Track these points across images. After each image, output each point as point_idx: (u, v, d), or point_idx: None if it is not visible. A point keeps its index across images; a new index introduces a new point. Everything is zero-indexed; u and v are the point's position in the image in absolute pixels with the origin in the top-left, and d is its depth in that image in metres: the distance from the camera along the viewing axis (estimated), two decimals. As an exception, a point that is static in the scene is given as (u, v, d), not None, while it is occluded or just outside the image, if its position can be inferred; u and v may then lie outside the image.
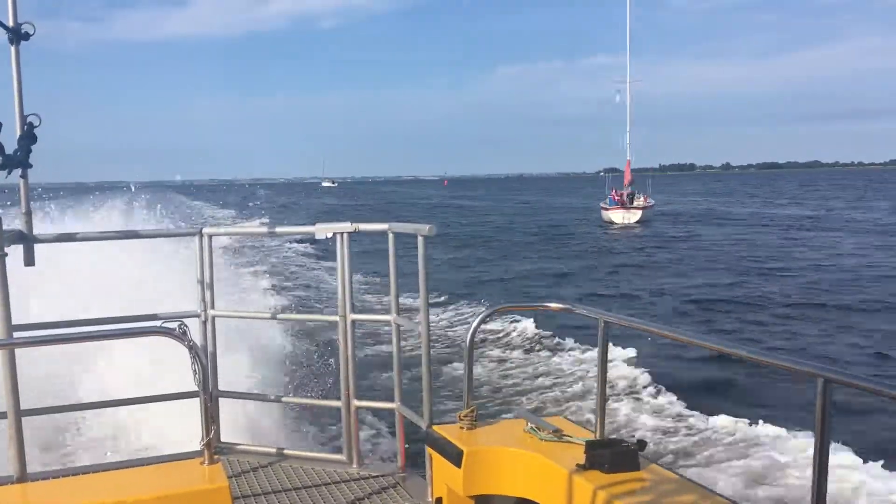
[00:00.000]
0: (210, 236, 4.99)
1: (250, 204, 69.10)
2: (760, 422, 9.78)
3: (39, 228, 4.32)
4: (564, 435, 3.81)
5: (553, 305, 4.43)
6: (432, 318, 12.52)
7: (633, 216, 49.08)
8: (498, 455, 3.76)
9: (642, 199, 51.82)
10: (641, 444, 3.55)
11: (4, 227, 3.69)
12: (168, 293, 8.48)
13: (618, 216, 49.39)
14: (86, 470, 4.69)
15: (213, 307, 4.95)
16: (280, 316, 7.40)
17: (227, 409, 5.18)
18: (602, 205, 52.79)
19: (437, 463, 4.06)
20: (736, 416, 10.11)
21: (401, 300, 4.79)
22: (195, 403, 4.17)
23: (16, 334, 3.66)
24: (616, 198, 50.87)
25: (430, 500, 4.28)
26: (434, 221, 4.56)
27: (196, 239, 4.95)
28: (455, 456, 3.80)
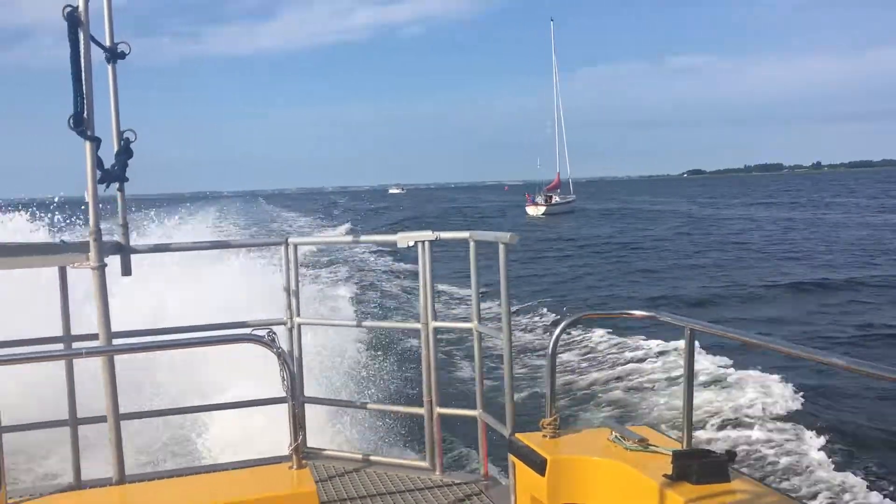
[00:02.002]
0: (295, 245, 5.10)
1: (335, 212, 70.48)
2: (853, 432, 9.38)
3: (143, 237, 4.50)
4: (650, 445, 3.73)
5: (637, 313, 4.36)
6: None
7: (540, 210, 67.73)
8: (583, 464, 3.71)
9: (555, 198, 71.13)
10: (731, 454, 3.44)
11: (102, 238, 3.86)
12: (253, 300, 8.72)
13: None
14: (179, 473, 4.86)
15: (298, 315, 5.05)
16: (365, 323, 7.52)
17: (311, 415, 5.28)
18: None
19: (521, 471, 4.04)
20: (829, 424, 9.73)
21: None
22: (273, 409, 4.28)
23: (114, 341, 3.81)
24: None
25: None
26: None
27: (282, 248, 5.06)
28: (539, 464, 3.77)
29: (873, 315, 18.35)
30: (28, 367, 4.61)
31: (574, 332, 15.29)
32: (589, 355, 14.23)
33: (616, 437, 3.84)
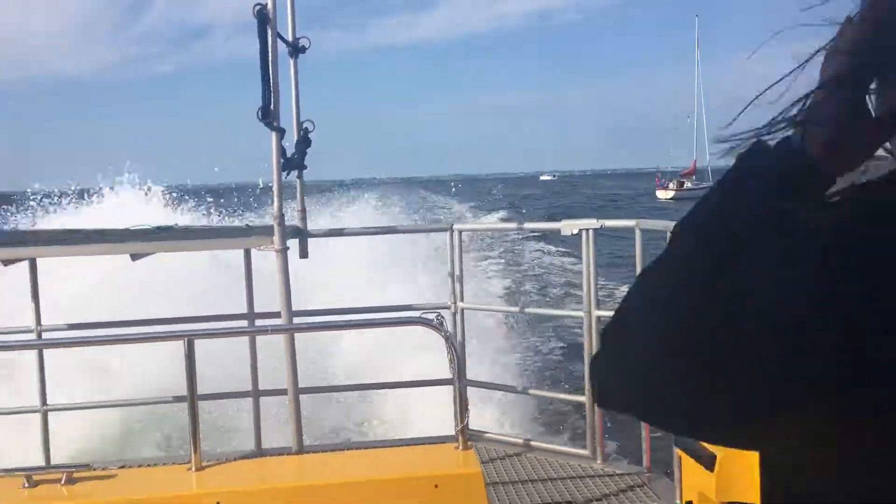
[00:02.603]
0: (460, 231, 5.20)
1: (491, 198, 71.19)
2: None
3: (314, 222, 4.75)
4: None
5: None
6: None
7: (669, 194, 68.41)
8: (756, 461, 3.57)
9: (687, 184, 71.64)
10: None
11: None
12: (414, 285, 8.98)
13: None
14: (350, 446, 5.12)
15: (462, 300, 5.16)
16: (527, 310, 7.54)
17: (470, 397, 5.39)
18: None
19: (687, 465, 3.94)
20: None
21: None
22: (431, 391, 4.40)
23: (295, 320, 4.05)
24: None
25: (678, 503, 4.16)
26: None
27: (447, 234, 5.18)
28: (708, 459, 3.67)
29: None
30: (217, 340, 5.01)
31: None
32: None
33: None
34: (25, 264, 4.62)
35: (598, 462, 4.88)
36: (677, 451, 4.06)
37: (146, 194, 15.84)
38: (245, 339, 4.82)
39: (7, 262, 4.29)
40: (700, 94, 79.58)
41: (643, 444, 4.85)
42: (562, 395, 6.15)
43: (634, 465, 4.92)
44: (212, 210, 17.26)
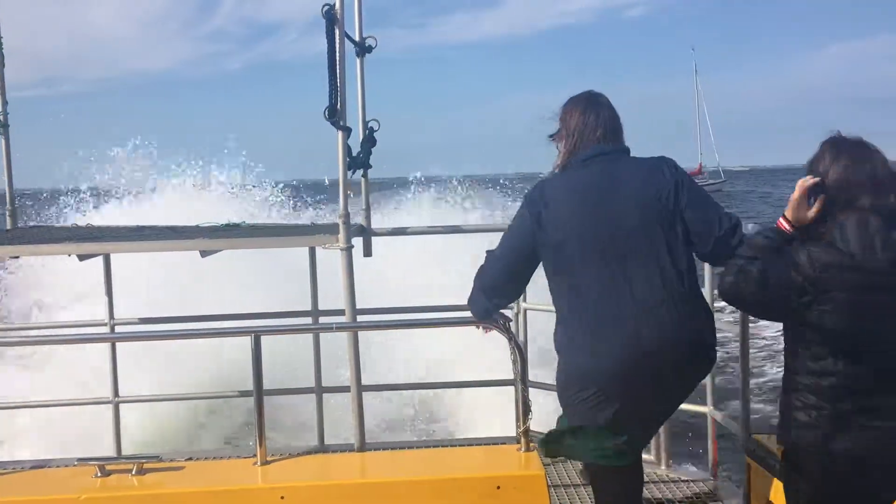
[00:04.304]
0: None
1: None
2: None
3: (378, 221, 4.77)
4: None
5: None
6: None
7: None
8: None
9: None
10: None
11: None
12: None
13: None
14: (411, 445, 5.13)
15: (525, 301, 5.11)
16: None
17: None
18: None
19: (756, 475, 3.84)
20: None
21: None
22: (488, 391, 4.38)
23: (358, 318, 4.07)
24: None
25: None
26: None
27: None
28: (780, 470, 3.56)
29: None
30: (282, 337, 5.07)
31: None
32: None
33: None
34: (100, 259, 4.76)
35: (663, 467, 4.79)
36: (747, 460, 3.96)
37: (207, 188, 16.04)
38: (309, 337, 4.87)
39: (83, 258, 4.42)
40: (700, 98, 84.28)
41: (709, 450, 4.74)
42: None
43: (700, 472, 4.82)
44: (290, 206, 17.42)
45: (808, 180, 2.67)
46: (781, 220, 2.74)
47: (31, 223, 7.85)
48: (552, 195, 3.13)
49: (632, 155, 3.21)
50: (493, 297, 3.31)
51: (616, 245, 2.98)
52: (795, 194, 2.68)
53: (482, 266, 3.32)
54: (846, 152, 2.66)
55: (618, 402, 2.99)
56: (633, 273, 2.96)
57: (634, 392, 2.99)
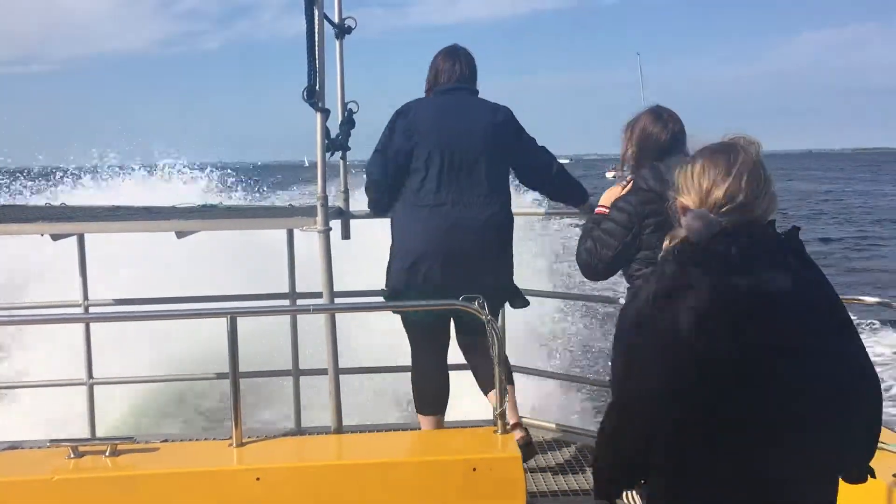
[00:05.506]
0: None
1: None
2: None
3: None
4: None
5: (867, 299, 4.02)
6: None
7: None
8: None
9: None
10: None
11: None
12: None
13: None
14: (388, 427, 5.13)
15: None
16: (573, 291, 7.45)
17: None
18: None
19: None
20: None
21: None
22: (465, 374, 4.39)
23: (336, 301, 4.06)
24: None
25: None
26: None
27: None
28: None
29: None
30: (259, 319, 5.04)
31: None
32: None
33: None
34: (73, 239, 4.70)
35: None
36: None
37: (189, 173, 16.00)
38: (286, 319, 4.85)
39: (56, 237, 4.37)
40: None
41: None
42: (606, 381, 6.08)
43: None
44: (262, 189, 17.36)
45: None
46: (599, 207, 3.68)
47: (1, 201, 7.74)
48: (416, 111, 4.13)
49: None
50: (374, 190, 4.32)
51: (456, 156, 3.99)
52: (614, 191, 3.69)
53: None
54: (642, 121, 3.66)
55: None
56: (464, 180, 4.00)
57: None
